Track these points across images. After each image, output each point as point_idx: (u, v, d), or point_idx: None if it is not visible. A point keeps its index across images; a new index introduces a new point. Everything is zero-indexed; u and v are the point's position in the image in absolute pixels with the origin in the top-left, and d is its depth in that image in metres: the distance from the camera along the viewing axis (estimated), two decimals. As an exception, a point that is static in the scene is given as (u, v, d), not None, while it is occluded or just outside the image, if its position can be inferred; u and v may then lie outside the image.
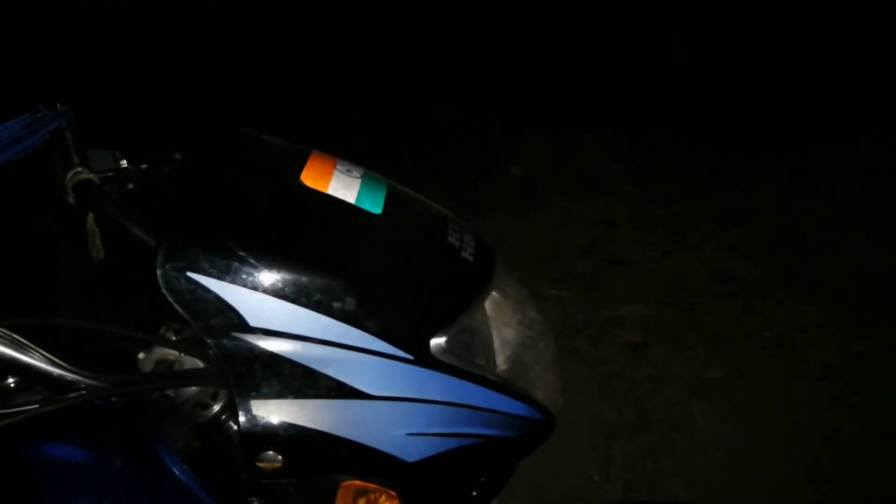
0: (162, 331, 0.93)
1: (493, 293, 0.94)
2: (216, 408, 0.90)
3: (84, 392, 0.78)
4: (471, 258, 0.94)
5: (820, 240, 3.10)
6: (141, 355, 0.90)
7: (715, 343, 2.66)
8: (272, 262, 0.81)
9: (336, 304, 0.82)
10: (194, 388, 0.90)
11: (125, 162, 1.19)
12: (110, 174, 1.17)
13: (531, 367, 0.96)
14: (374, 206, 0.92)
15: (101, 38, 4.78)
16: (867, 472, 2.16)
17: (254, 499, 0.89)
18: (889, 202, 3.26)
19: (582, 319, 2.81)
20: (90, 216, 1.16)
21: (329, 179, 0.92)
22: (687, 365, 2.60)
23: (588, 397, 2.48)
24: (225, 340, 0.80)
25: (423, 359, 0.85)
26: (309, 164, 0.93)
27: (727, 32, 4.99)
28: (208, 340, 0.81)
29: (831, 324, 2.69)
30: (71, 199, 1.12)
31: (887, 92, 4.05)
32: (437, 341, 0.86)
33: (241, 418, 0.81)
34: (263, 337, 0.81)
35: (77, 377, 0.78)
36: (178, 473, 0.84)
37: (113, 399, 0.87)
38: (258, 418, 0.81)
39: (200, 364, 0.90)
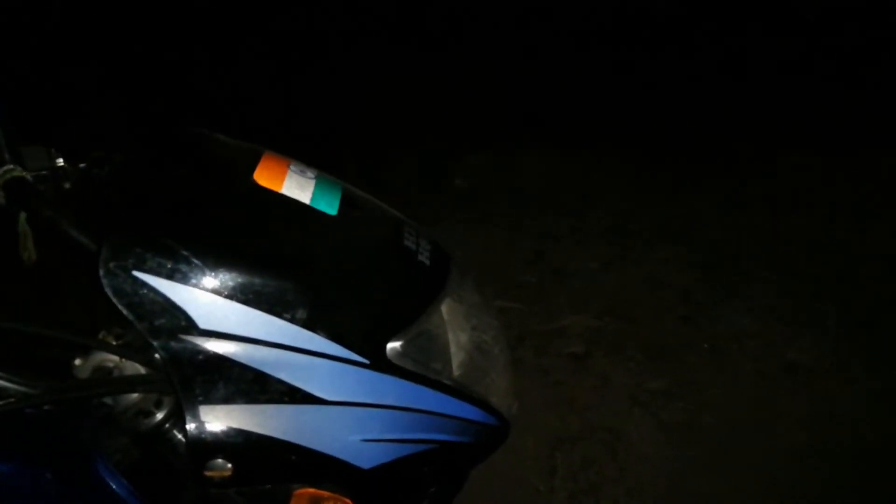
0: (101, 335, 0.88)
1: (449, 298, 0.93)
2: (160, 416, 0.86)
3: (13, 399, 0.73)
4: (427, 262, 0.93)
5: (756, 253, 3.21)
6: (77, 361, 0.85)
7: (655, 354, 2.71)
8: (224, 262, 0.78)
9: (290, 307, 0.79)
10: (135, 396, 0.86)
11: (61, 160, 1.13)
12: (45, 173, 1.11)
13: (486, 372, 0.96)
14: (330, 207, 0.90)
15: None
16: (804, 474, 2.23)
17: None
18: (821, 216, 3.41)
19: (526, 330, 2.83)
20: (22, 216, 1.10)
21: (283, 179, 0.90)
22: (628, 375, 2.64)
23: (532, 406, 2.49)
24: (172, 343, 0.77)
25: (379, 363, 0.83)
26: (262, 163, 0.91)
27: (677, 50, 5.12)
28: (154, 343, 0.77)
29: (766, 335, 2.78)
30: (1, 199, 1.06)
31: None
32: (393, 345, 0.85)
33: (189, 425, 0.77)
34: (213, 339, 0.77)
35: (6, 384, 0.74)
36: (114, 487, 0.79)
37: (46, 408, 0.82)
38: (206, 424, 0.77)
39: (142, 370, 0.86)
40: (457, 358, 0.92)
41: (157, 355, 0.81)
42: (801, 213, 3.47)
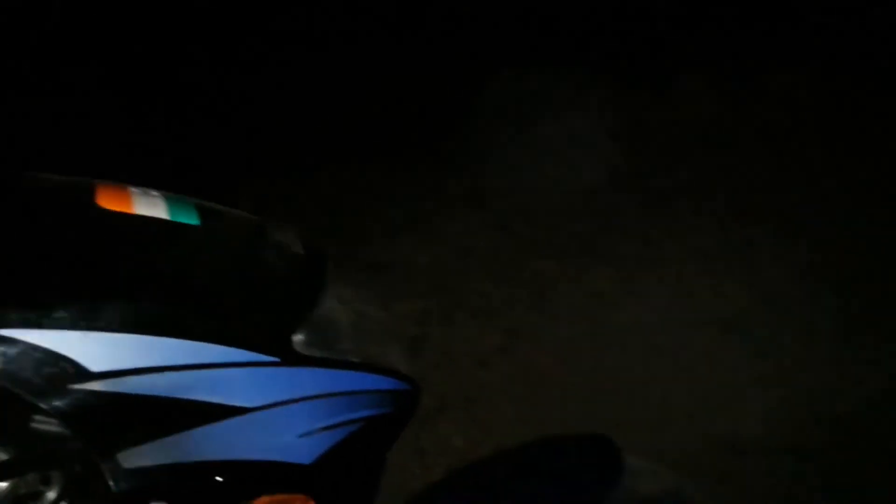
0: None
1: (333, 283, 0.93)
2: (53, 493, 0.76)
3: None
4: (302, 253, 0.92)
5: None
6: None
7: (485, 316, 2.86)
8: (99, 293, 0.71)
9: (182, 324, 0.75)
10: (4, 484, 0.75)
11: None
12: None
13: (384, 344, 0.97)
14: (191, 219, 0.85)
15: None
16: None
17: None
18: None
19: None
20: None
21: (131, 200, 0.84)
22: (466, 342, 2.76)
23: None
24: (65, 397, 0.69)
25: (290, 358, 0.81)
26: (99, 191, 0.84)
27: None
28: (41, 405, 0.68)
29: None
30: None
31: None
32: (298, 338, 0.83)
33: (111, 480, 0.69)
34: (110, 379, 0.70)
35: None
36: None
37: None
38: (132, 472, 0.70)
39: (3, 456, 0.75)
40: (356, 336, 0.93)
41: (35, 424, 0.72)
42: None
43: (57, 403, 0.68)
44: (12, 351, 0.67)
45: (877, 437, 2.28)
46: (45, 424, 0.71)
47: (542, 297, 2.89)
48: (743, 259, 2.99)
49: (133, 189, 0.87)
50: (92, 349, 0.70)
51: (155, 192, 0.89)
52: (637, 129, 3.70)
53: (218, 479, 0.74)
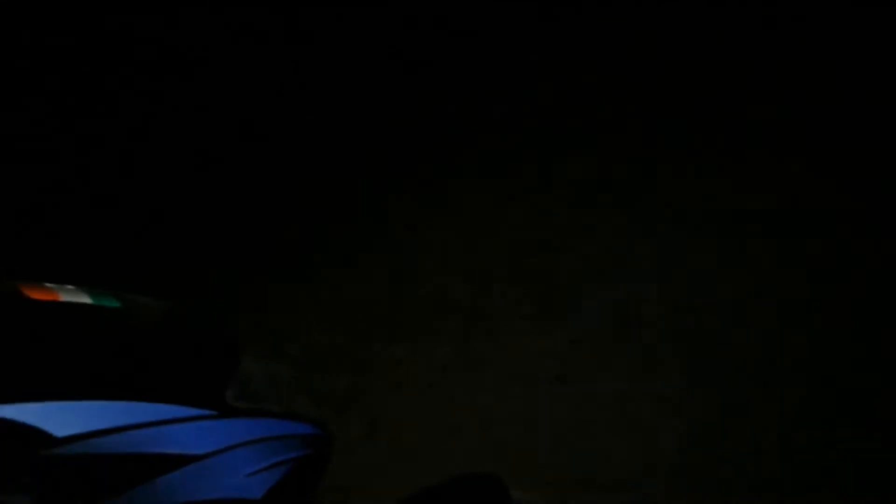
0: None
1: (247, 348, 1.05)
2: None
3: None
4: (218, 323, 1.03)
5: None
6: None
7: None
8: (59, 363, 0.79)
9: (134, 388, 0.84)
10: None
11: None
12: None
13: (293, 396, 1.10)
14: (111, 302, 0.94)
15: None
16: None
17: None
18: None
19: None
20: None
21: (54, 292, 0.92)
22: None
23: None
24: (37, 463, 0.74)
25: (226, 410, 0.92)
26: (23, 288, 0.91)
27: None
28: (11, 473, 0.73)
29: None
30: None
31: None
32: (229, 394, 0.94)
33: None
34: (79, 442, 0.77)
35: None
36: None
37: None
38: None
39: None
40: (273, 390, 1.04)
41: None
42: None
43: (29, 470, 0.74)
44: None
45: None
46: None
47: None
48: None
49: (48, 284, 0.95)
50: (55, 416, 0.76)
51: (68, 286, 0.97)
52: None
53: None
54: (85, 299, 0.92)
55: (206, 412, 0.89)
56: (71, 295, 0.92)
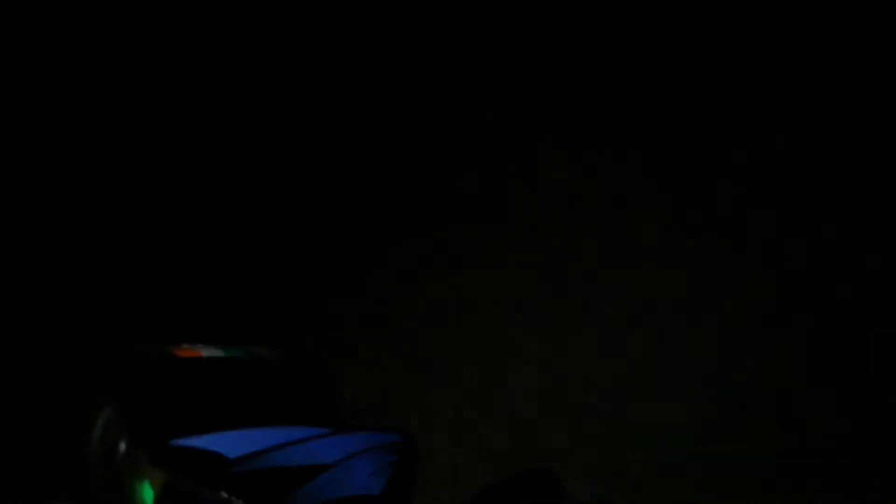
0: None
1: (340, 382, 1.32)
2: None
3: None
4: (320, 363, 1.31)
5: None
6: None
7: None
8: (227, 401, 1.05)
9: (280, 417, 1.10)
10: None
11: None
12: None
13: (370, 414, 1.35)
14: (240, 353, 1.20)
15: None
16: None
17: None
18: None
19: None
20: None
21: (195, 351, 1.17)
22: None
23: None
24: (219, 482, 0.99)
25: (338, 428, 1.18)
26: (172, 350, 1.16)
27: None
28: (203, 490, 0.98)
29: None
30: None
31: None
32: (342, 414, 1.21)
33: None
34: (247, 461, 1.02)
35: None
36: None
37: None
38: None
39: None
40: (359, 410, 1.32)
41: None
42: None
43: (214, 491, 0.99)
44: (183, 454, 0.97)
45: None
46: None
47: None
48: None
49: (185, 345, 1.20)
50: (227, 442, 1.02)
51: (199, 345, 1.22)
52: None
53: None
54: (219, 353, 1.18)
55: (325, 430, 1.14)
56: (208, 351, 1.18)
